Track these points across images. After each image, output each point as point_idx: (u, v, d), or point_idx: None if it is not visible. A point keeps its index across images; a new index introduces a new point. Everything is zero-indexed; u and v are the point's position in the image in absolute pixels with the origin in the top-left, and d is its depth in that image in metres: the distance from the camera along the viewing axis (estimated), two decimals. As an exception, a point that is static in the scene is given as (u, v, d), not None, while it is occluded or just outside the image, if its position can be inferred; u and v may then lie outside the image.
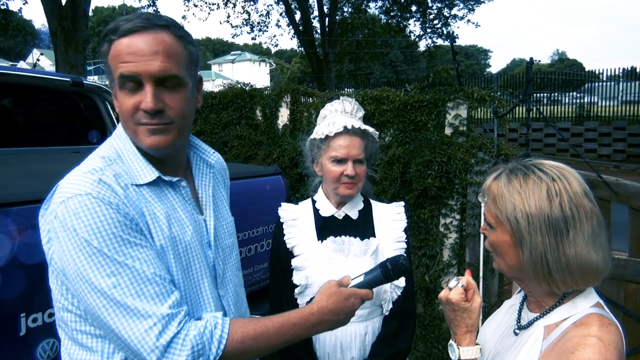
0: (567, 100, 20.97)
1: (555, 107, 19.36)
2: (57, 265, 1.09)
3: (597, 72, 20.61)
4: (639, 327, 3.36)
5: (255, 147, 4.95)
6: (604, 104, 20.82)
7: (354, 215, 1.77)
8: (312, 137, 1.75)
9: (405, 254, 1.41)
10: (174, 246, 1.15)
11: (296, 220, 1.77)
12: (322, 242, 1.71)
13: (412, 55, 30.29)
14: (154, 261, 1.08)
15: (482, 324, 1.40)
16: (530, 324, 1.18)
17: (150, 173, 1.17)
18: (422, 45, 19.91)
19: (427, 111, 4.04)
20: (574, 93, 21.83)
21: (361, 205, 1.80)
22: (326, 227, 1.74)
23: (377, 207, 1.84)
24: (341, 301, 1.23)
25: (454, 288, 1.19)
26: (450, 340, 1.18)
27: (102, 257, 1.02)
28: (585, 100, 20.00)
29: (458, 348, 1.15)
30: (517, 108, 4.03)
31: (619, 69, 19.49)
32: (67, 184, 1.09)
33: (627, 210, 3.55)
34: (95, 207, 1.04)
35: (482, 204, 3.74)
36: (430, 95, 4.02)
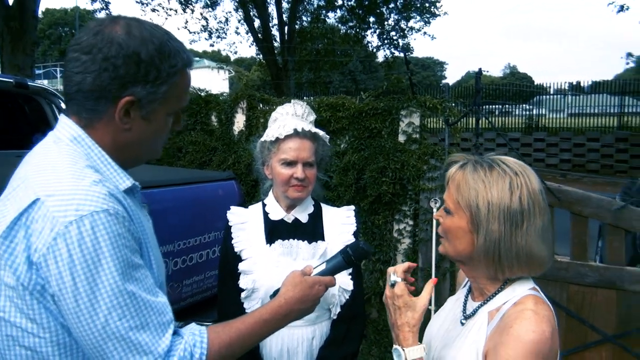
0: (517, 112, 21.85)
1: (506, 118, 20.12)
2: (50, 291, 0.94)
3: (545, 85, 21.56)
4: (580, 327, 3.50)
5: (210, 153, 4.89)
6: (551, 116, 21.82)
7: (304, 218, 1.77)
8: (262, 139, 1.75)
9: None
10: (155, 258, 1.12)
11: (245, 223, 1.75)
12: (270, 245, 1.70)
13: (371, 65, 30.79)
14: (152, 284, 1.02)
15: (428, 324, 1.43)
16: (475, 311, 1.23)
17: (126, 179, 1.10)
18: (381, 56, 20.30)
19: (381, 119, 4.11)
20: (524, 105, 22.78)
21: (311, 209, 1.81)
22: (275, 231, 1.73)
23: (327, 210, 1.85)
24: (306, 289, 1.25)
25: (397, 284, 1.22)
26: (394, 345, 1.18)
27: (115, 286, 0.93)
28: (534, 112, 20.90)
29: (403, 350, 1.15)
30: (469, 119, 4.15)
31: (566, 83, 20.46)
32: (69, 199, 0.93)
33: (569, 215, 3.72)
34: (113, 226, 0.94)
35: (434, 209, 3.79)
36: (384, 103, 4.09)
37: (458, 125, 4.04)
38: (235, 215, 1.77)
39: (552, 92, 21.72)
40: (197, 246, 2.78)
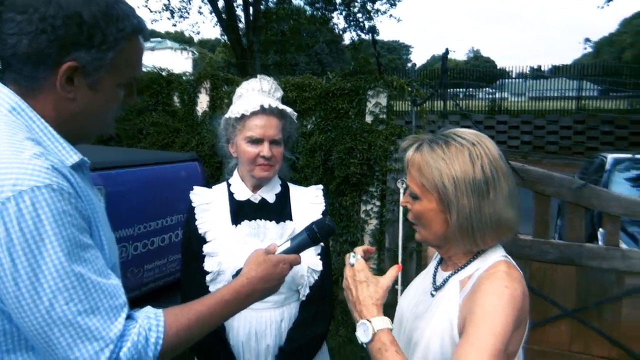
0: (480, 95, 22.26)
1: (470, 101, 20.48)
2: None
3: (507, 69, 21.97)
4: (542, 303, 3.60)
5: (173, 134, 4.74)
6: (513, 99, 22.33)
7: (271, 198, 1.71)
8: (226, 115, 1.67)
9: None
10: (107, 239, 1.03)
11: (209, 204, 1.68)
12: (236, 226, 1.64)
13: (337, 48, 30.61)
14: (104, 266, 0.94)
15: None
16: (445, 281, 1.22)
17: (73, 153, 1.00)
18: (347, 38, 20.17)
19: (348, 99, 4.06)
20: (487, 89, 23.20)
21: (278, 189, 1.75)
22: (241, 211, 1.67)
23: (295, 190, 1.79)
24: (270, 268, 1.21)
25: (357, 260, 1.18)
26: (359, 322, 1.10)
27: (60, 267, 0.85)
28: (497, 95, 21.33)
29: (369, 320, 1.07)
30: (435, 102, 4.15)
31: (527, 67, 20.90)
32: (6, 173, 0.85)
33: (531, 195, 3.79)
34: (57, 203, 0.86)
35: (401, 190, 3.79)
36: (351, 84, 4.04)
37: (425, 106, 4.04)
38: (199, 195, 1.70)
39: (514, 76, 22.19)
40: (158, 229, 2.68)
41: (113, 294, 0.93)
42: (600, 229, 4.47)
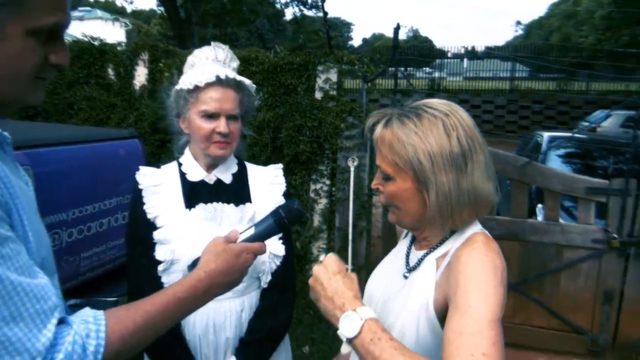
0: (419, 75, 22.67)
1: (410, 80, 20.78)
2: None
3: (445, 49, 22.47)
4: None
5: (108, 110, 4.39)
6: (450, 79, 22.95)
7: (227, 179, 1.57)
8: (177, 87, 1.50)
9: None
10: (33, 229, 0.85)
11: (159, 186, 1.52)
12: (190, 210, 1.49)
13: (279, 23, 29.97)
14: (28, 262, 0.78)
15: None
16: (420, 261, 1.15)
17: None
18: (289, 13, 19.76)
19: (297, 74, 3.92)
20: (426, 68, 23.69)
21: (235, 168, 1.61)
22: (195, 194, 1.52)
23: (252, 170, 1.66)
24: (232, 259, 1.08)
25: (328, 257, 1.08)
26: (343, 313, 0.98)
27: None
28: (436, 75, 21.82)
29: (355, 311, 0.96)
30: (384, 82, 4.09)
31: (462, 48, 21.47)
32: None
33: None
34: None
35: (352, 168, 3.72)
36: (300, 58, 3.89)
37: (375, 84, 3.97)
38: (147, 176, 1.52)
39: (450, 56, 22.74)
40: (96, 213, 2.46)
41: (40, 295, 0.77)
42: (539, 205, 4.65)
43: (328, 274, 1.04)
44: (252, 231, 1.16)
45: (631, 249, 3.52)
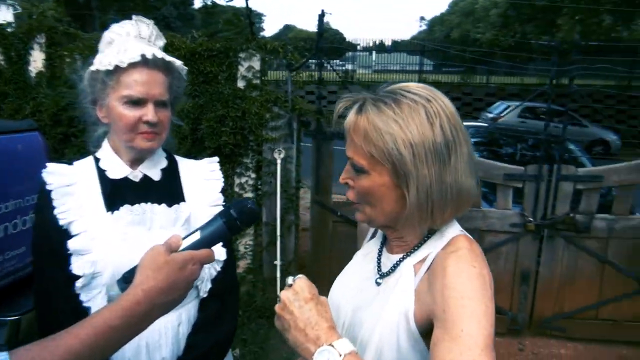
0: (329, 67, 22.85)
1: (322, 72, 20.89)
2: None
3: (354, 42, 22.89)
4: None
5: (-2, 99, 3.85)
6: (360, 71, 23.44)
7: (156, 175, 1.37)
8: (93, 68, 1.26)
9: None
10: None
11: (72, 186, 1.27)
12: (113, 213, 1.27)
13: (187, 12, 28.69)
14: None
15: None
16: (395, 267, 1.03)
17: None
18: (197, 1, 18.97)
19: (217, 61, 3.67)
20: (337, 60, 23.97)
21: (164, 163, 1.41)
22: (118, 194, 1.30)
23: (184, 164, 1.47)
24: (175, 273, 0.90)
25: (298, 279, 0.93)
26: (317, 351, 0.84)
27: None
28: (346, 67, 22.16)
29: (333, 346, 0.83)
30: (305, 73, 3.97)
31: (371, 41, 22.01)
32: None
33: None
34: None
35: (278, 160, 3.57)
36: (221, 44, 3.65)
37: (300, 75, 3.84)
38: (56, 175, 1.27)
39: (360, 49, 23.22)
40: (-10, 219, 2.10)
41: None
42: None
43: (299, 300, 0.89)
44: (197, 236, 0.98)
45: (545, 231, 3.73)
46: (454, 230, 1.01)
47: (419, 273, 0.97)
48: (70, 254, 1.21)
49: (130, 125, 1.25)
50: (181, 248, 0.96)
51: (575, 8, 19.54)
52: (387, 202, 0.96)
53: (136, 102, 1.25)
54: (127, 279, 0.95)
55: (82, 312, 1.20)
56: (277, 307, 0.92)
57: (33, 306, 1.33)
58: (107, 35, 1.32)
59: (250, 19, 3.44)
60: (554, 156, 3.76)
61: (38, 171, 1.28)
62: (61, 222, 1.22)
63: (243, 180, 3.80)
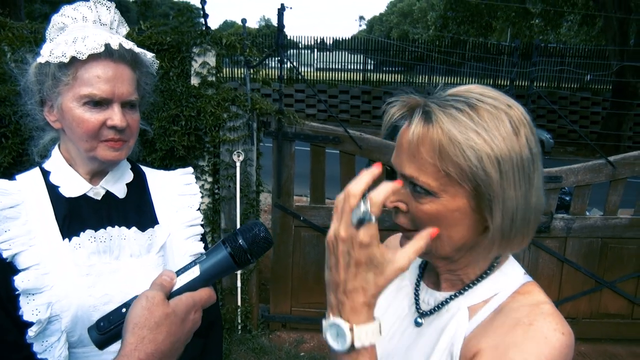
0: (272, 64, 22.58)
1: (265, 70, 20.59)
2: None
3: (296, 40, 22.74)
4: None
5: None
6: (302, 69, 23.31)
7: (121, 192, 1.13)
8: (42, 60, 1.01)
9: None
10: None
11: (16, 207, 1.02)
12: (71, 240, 1.03)
13: (122, 4, 27.32)
14: None
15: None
16: (442, 305, 0.86)
17: None
18: (133, -8, 18.03)
19: (168, 56, 3.39)
20: (282, 56, 23.65)
21: (130, 176, 1.18)
22: (75, 216, 1.06)
23: (153, 177, 1.24)
24: (177, 328, 0.72)
25: (368, 224, 0.65)
26: (331, 318, 0.68)
27: None
28: (288, 65, 21.93)
29: (350, 330, 0.66)
30: (263, 71, 3.75)
31: (312, 38, 21.95)
32: None
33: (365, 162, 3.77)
34: None
35: (237, 163, 3.33)
36: (172, 38, 3.36)
37: (259, 72, 3.62)
38: (-4, 193, 1.01)
39: (301, 47, 23.07)
40: None
41: None
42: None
43: (348, 255, 0.66)
44: (196, 272, 0.78)
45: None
46: (515, 268, 0.85)
47: (475, 317, 0.81)
48: (18, 295, 0.96)
49: (92, 132, 1.02)
50: (176, 287, 0.76)
51: (508, 12, 20.39)
52: (458, 230, 0.77)
53: (99, 103, 1.01)
54: (102, 329, 0.74)
55: (34, 368, 0.96)
56: (328, 240, 0.69)
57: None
58: (57, 19, 1.07)
59: (203, 9, 3.16)
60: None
61: None
62: (4, 254, 0.97)
63: (199, 184, 3.51)
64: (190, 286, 0.77)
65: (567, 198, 4.76)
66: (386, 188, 0.66)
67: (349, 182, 0.68)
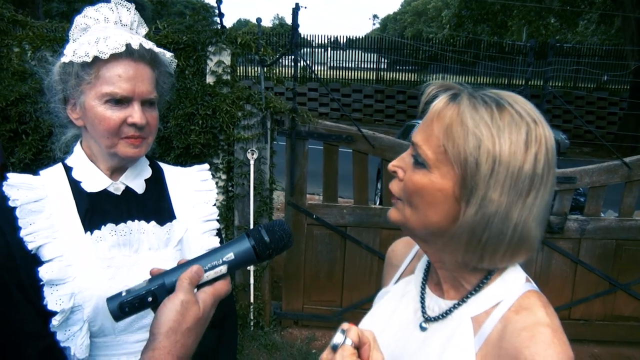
0: (285, 63, 22.63)
1: (278, 68, 20.65)
2: None
3: (309, 39, 22.74)
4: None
5: None
6: (316, 68, 23.31)
7: (139, 187, 1.17)
8: (65, 59, 1.05)
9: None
10: None
11: (41, 201, 1.06)
12: (92, 233, 1.06)
13: (137, 2, 27.58)
14: None
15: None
16: (446, 314, 0.87)
17: None
18: (149, -9, 18.25)
19: (184, 55, 3.43)
20: (297, 55, 23.69)
21: (148, 172, 1.21)
22: (97, 210, 1.09)
23: (171, 173, 1.27)
24: (203, 326, 0.80)
25: (341, 347, 0.71)
26: None
27: None
28: (301, 63, 21.94)
29: None
30: (279, 69, 3.78)
31: (325, 37, 21.93)
32: None
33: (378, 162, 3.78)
34: None
35: (251, 161, 3.37)
36: (187, 37, 3.41)
37: (273, 71, 3.65)
38: (22, 188, 1.05)
39: (315, 45, 23.07)
40: None
41: None
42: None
43: None
44: (223, 268, 0.81)
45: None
46: (517, 273, 0.86)
47: (480, 331, 0.82)
48: (43, 285, 1.00)
49: (113, 129, 1.05)
50: (203, 281, 0.81)
51: (524, 11, 20.19)
52: (436, 211, 0.80)
53: (119, 101, 1.05)
54: (124, 310, 0.79)
55: (58, 355, 1.00)
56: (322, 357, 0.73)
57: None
58: (80, 20, 1.11)
59: (219, 9, 3.21)
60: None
61: (2, 184, 1.06)
62: (29, 246, 1.01)
63: (213, 181, 3.58)
64: (214, 280, 0.81)
65: (582, 199, 4.72)
66: (361, 332, 0.71)
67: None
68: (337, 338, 0.71)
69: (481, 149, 0.74)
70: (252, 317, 3.74)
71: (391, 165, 0.86)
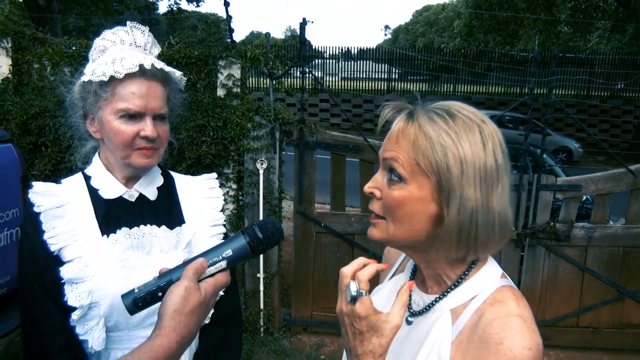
0: (297, 74, 22.84)
1: (290, 80, 20.91)
2: None
3: (321, 50, 22.96)
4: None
5: (-42, 107, 3.61)
6: (327, 79, 23.51)
7: (152, 194, 1.27)
8: (85, 78, 1.15)
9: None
10: None
11: (63, 207, 1.16)
12: (108, 236, 1.16)
13: (152, 18, 28.15)
14: None
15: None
16: (429, 307, 0.95)
17: None
18: (163, 6, 18.62)
19: (196, 69, 3.56)
20: (304, 68, 23.93)
21: (160, 180, 1.31)
22: (113, 215, 1.19)
23: (181, 181, 1.37)
24: (205, 311, 0.88)
25: (360, 299, 0.83)
26: None
27: None
28: (311, 76, 22.15)
29: None
30: (287, 81, 3.89)
31: (337, 48, 22.13)
32: None
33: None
34: None
35: (261, 171, 3.47)
36: (199, 52, 3.54)
37: (283, 83, 3.76)
38: (45, 195, 1.16)
39: (326, 56, 23.29)
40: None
41: None
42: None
43: (353, 327, 0.85)
44: (223, 264, 0.90)
45: (526, 240, 3.76)
46: (493, 269, 0.94)
47: (457, 322, 0.90)
48: (63, 283, 1.10)
49: (127, 141, 1.15)
50: (205, 274, 0.90)
51: (535, 19, 20.20)
52: (419, 219, 0.88)
53: (133, 116, 1.15)
54: (138, 305, 0.88)
55: (77, 348, 1.09)
56: (337, 311, 0.87)
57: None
58: (98, 42, 1.22)
59: (229, 24, 3.34)
60: (526, 166, 3.78)
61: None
62: (52, 248, 1.11)
63: (224, 191, 3.68)
64: (215, 274, 0.90)
65: (590, 207, 4.74)
66: (371, 268, 0.85)
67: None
68: (352, 288, 0.82)
69: (448, 155, 0.83)
70: (262, 324, 3.81)
71: (367, 188, 0.93)
